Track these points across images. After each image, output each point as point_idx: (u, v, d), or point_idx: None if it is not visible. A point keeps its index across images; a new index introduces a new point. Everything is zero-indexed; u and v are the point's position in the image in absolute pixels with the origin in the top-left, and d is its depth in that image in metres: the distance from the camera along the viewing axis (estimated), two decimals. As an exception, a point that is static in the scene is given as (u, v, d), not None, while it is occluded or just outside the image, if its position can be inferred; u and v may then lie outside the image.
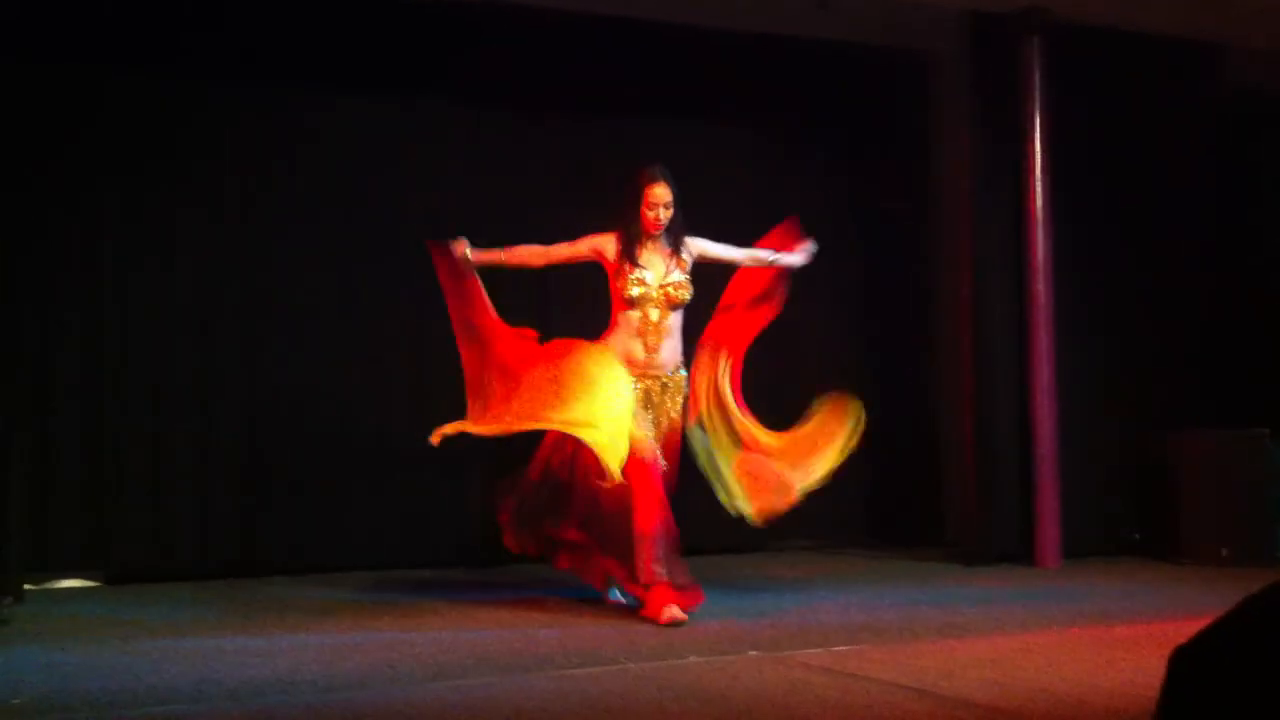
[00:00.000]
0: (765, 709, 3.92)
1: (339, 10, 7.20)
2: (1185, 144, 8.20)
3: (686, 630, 5.28)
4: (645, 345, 5.69)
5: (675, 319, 5.76)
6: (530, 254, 5.85)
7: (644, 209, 5.69)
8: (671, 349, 5.77)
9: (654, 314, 5.70)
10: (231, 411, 7.00)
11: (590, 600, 6.01)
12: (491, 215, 6.96)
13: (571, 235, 5.85)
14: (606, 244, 5.77)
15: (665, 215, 5.70)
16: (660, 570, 5.47)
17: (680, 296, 5.72)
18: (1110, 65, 7.94)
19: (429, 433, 5.50)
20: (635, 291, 5.68)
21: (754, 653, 4.77)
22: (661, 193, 5.69)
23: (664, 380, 5.76)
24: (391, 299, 7.24)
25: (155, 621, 5.58)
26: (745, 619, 5.58)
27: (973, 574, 7.19)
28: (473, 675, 4.42)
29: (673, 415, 5.80)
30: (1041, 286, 7.55)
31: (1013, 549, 7.59)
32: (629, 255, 5.71)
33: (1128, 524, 7.90)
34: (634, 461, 5.47)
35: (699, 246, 5.83)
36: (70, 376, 6.74)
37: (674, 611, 5.40)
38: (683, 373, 5.84)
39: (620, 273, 5.71)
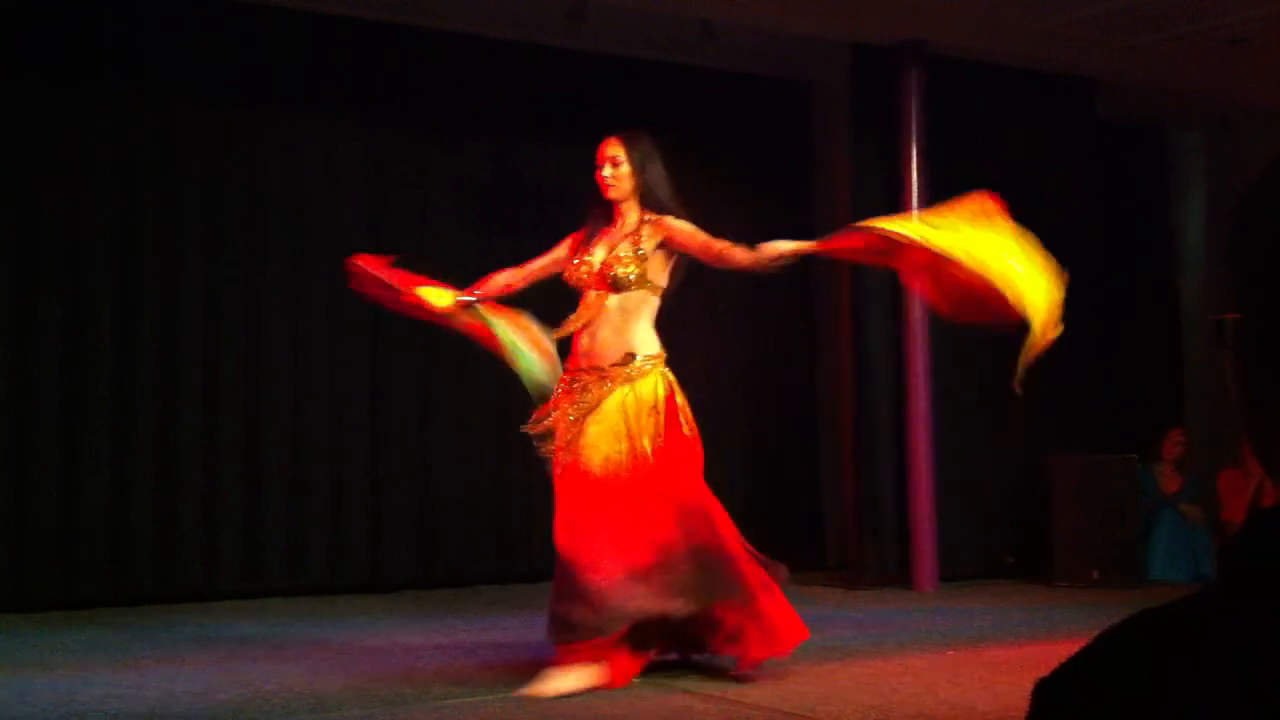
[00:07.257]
0: (647, 737, 3.92)
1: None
2: (1061, 175, 8.40)
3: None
4: (587, 331, 4.84)
5: (619, 301, 4.83)
6: (508, 278, 5.08)
7: (597, 172, 4.97)
8: (613, 334, 4.82)
9: (592, 294, 4.85)
10: (98, 438, 6.81)
11: (471, 630, 5.93)
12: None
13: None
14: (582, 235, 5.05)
15: (614, 176, 4.90)
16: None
17: (617, 273, 4.80)
18: (987, 97, 8.12)
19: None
20: (580, 272, 4.90)
21: (636, 679, 4.76)
22: (608, 149, 4.94)
23: (602, 369, 4.80)
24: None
25: (20, 652, 5.38)
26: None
27: (852, 597, 7.26)
28: (350, 708, 4.34)
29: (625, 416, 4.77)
30: (919, 311, 7.67)
31: (891, 573, 7.69)
32: (589, 236, 5.00)
33: (1003, 547, 8.05)
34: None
35: (669, 226, 4.89)
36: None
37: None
38: (637, 363, 4.81)
39: (577, 256, 4.97)
